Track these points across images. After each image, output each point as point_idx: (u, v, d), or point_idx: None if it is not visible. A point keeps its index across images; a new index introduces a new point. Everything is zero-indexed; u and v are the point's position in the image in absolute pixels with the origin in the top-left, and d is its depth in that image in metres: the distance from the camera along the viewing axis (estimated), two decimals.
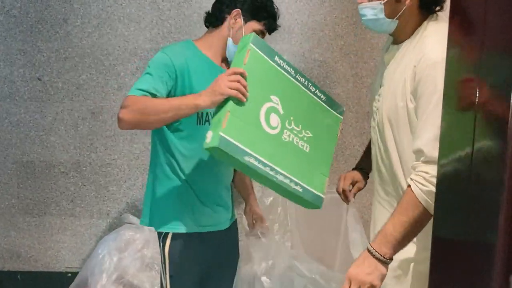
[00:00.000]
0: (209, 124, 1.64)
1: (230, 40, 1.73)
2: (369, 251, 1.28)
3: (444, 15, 1.42)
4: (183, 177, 1.74)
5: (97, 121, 2.44)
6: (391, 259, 1.28)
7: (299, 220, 1.93)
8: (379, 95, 1.49)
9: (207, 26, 1.80)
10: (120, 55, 2.40)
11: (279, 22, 1.79)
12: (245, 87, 1.41)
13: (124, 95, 2.38)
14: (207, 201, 1.78)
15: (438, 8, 1.42)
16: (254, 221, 1.93)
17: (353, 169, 1.80)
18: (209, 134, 1.36)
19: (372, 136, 1.57)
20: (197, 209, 1.77)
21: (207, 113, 1.71)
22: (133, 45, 2.39)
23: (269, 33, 1.80)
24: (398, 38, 1.46)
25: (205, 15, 1.80)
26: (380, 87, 1.50)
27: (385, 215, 1.43)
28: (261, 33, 1.74)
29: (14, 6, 2.34)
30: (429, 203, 1.22)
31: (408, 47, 1.41)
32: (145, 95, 1.57)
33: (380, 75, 1.53)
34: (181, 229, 1.75)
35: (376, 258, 1.26)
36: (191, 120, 1.68)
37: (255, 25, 1.72)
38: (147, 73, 1.65)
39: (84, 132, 2.45)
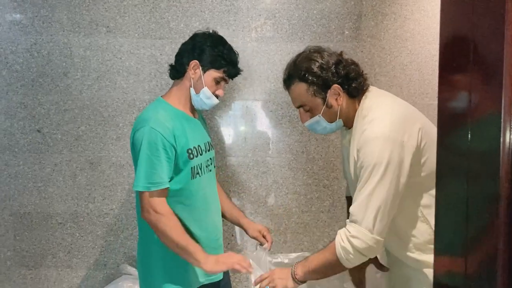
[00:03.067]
0: (199, 176, 1.76)
1: (192, 90, 1.77)
2: (292, 266, 1.59)
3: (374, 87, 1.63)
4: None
5: (95, 171, 2.46)
6: (300, 281, 1.57)
7: None
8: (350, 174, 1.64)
9: (172, 78, 1.84)
10: (119, 107, 2.45)
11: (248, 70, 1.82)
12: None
13: (122, 145, 2.44)
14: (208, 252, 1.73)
15: (363, 88, 1.60)
16: (263, 236, 1.93)
17: None
18: None
19: None
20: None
21: (198, 167, 1.77)
22: (131, 97, 2.45)
23: (231, 79, 1.84)
24: (347, 123, 1.63)
25: (168, 68, 1.83)
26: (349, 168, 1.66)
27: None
28: (222, 80, 1.78)
29: (16, 62, 2.41)
30: (342, 256, 1.44)
31: (355, 129, 1.57)
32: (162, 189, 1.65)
33: (346, 157, 1.69)
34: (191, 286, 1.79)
35: (291, 273, 1.57)
36: (186, 177, 1.73)
37: (214, 73, 1.76)
38: (149, 158, 1.63)
39: (82, 182, 2.47)
